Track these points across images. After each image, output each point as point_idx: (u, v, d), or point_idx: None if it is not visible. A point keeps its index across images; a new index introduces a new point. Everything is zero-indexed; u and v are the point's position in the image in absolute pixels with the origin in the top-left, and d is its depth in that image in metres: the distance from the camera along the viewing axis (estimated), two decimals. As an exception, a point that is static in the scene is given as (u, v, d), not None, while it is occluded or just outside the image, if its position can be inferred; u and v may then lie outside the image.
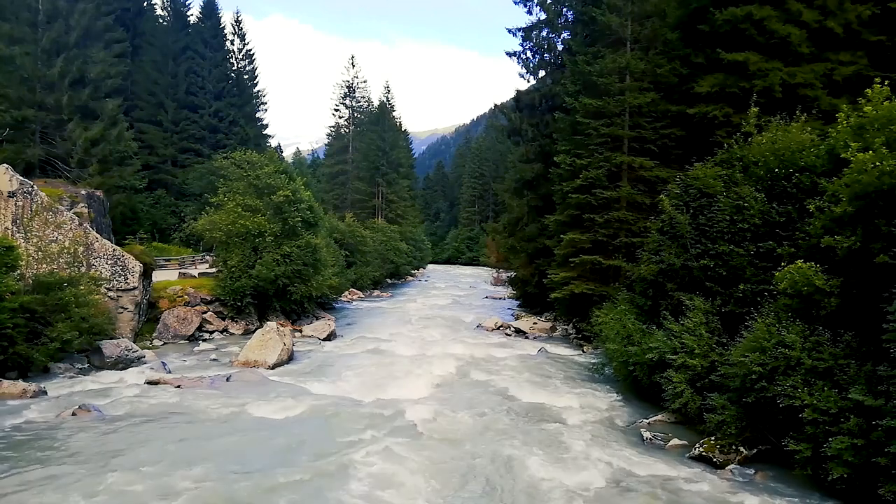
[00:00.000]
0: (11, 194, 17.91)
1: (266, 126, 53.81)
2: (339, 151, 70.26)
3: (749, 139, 13.70)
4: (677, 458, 10.48)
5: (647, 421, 12.54)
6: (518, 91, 31.78)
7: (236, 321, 23.26)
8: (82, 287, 16.36)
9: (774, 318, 10.25)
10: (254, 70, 52.26)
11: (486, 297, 42.53)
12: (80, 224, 19.13)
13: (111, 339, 17.16)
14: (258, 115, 52.47)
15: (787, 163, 12.13)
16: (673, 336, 12.34)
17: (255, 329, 20.78)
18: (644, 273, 14.74)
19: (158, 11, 49.42)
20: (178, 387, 14.17)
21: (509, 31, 30.34)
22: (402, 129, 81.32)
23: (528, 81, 31.53)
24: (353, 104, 69.75)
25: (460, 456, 10.34)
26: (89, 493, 8.27)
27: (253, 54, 51.81)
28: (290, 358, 18.07)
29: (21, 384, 13.15)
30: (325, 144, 79.34)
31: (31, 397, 12.78)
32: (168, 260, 31.57)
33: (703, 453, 10.30)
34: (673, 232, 13.88)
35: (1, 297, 13.57)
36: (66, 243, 17.91)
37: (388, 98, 69.69)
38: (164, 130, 44.62)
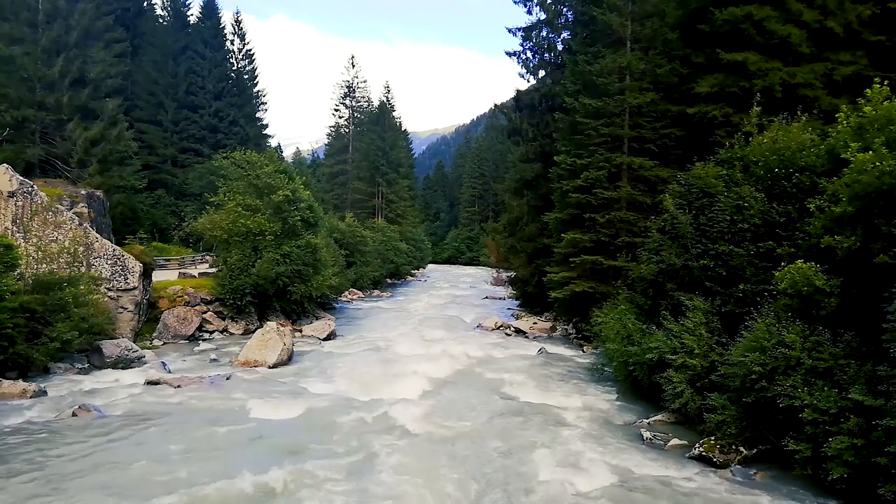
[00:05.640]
0: (11, 194, 17.91)
1: (266, 126, 53.81)
2: (339, 151, 70.32)
3: (750, 139, 13.70)
4: (677, 458, 10.47)
5: (647, 421, 12.54)
6: (518, 91, 31.77)
7: (236, 321, 23.26)
8: (82, 287, 16.36)
9: (774, 318, 10.24)
10: (254, 70, 52.28)
11: (486, 297, 42.52)
12: (80, 224, 19.13)
13: (111, 338, 17.16)
14: (258, 115, 52.45)
15: (788, 163, 12.12)
16: (673, 336, 12.34)
17: (255, 329, 20.78)
18: (644, 273, 14.74)
19: (158, 11, 49.46)
20: (178, 387, 14.17)
21: (509, 30, 30.39)
22: (403, 129, 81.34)
23: (528, 81, 31.58)
24: (353, 104, 69.83)
25: (459, 456, 10.34)
26: (89, 493, 8.27)
27: (253, 54, 51.85)
28: (290, 358, 18.07)
29: (21, 384, 13.15)
30: (325, 144, 79.41)
31: (31, 397, 12.79)
32: (168, 260, 31.56)
33: (703, 453, 10.30)
34: (674, 231, 13.88)
35: (1, 296, 13.57)
36: (66, 243, 17.92)
37: (388, 98, 69.76)
38: (164, 130, 44.62)
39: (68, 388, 13.95)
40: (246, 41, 51.21)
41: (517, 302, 35.42)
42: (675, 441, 11.18)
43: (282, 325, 20.55)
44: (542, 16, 29.64)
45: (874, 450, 7.89)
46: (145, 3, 48.80)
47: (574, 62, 23.46)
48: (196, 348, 19.95)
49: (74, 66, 28.64)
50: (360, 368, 17.19)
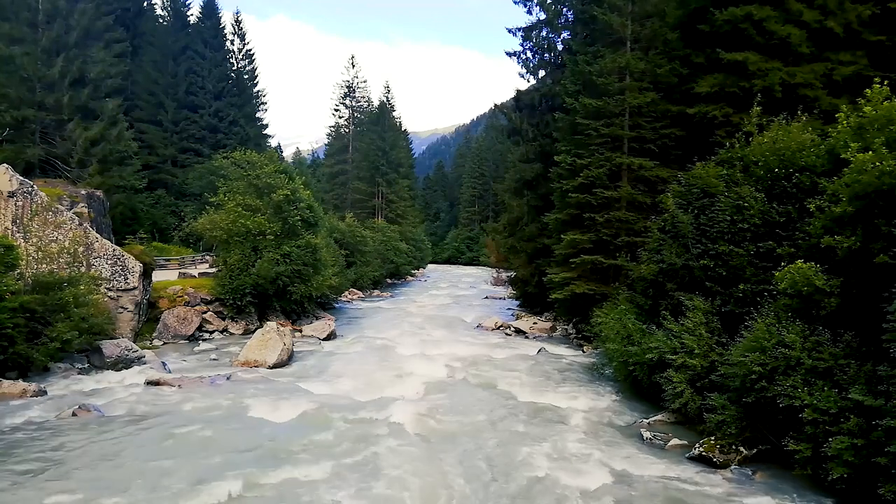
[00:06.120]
0: (11, 194, 17.91)
1: (266, 126, 53.84)
2: (339, 151, 70.33)
3: (750, 139, 13.71)
4: (677, 458, 10.48)
5: (647, 421, 12.54)
6: (518, 91, 31.77)
7: (236, 321, 23.26)
8: (82, 287, 16.34)
9: (774, 318, 10.25)
10: (254, 70, 52.30)
11: (486, 297, 42.53)
12: (80, 224, 19.12)
13: (111, 338, 17.15)
14: (258, 115, 52.48)
15: (788, 163, 12.12)
16: (673, 336, 12.34)
17: (255, 329, 20.78)
18: (644, 273, 14.74)
19: (158, 11, 49.50)
20: (178, 387, 14.18)
21: (509, 30, 30.37)
22: (403, 129, 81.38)
23: (528, 81, 31.57)
24: (353, 104, 69.85)
25: (459, 456, 10.34)
26: (89, 493, 8.27)
27: (253, 54, 51.87)
28: (290, 358, 18.07)
29: (21, 384, 13.16)
30: (325, 144, 79.44)
31: (31, 397, 12.79)
32: (168, 260, 31.57)
33: (703, 453, 10.30)
34: (675, 231, 13.88)
35: (1, 296, 13.57)
36: (66, 243, 17.90)
37: (388, 98, 69.79)
38: (164, 130, 44.64)
39: (68, 388, 13.96)
40: (246, 41, 51.26)
41: (517, 302, 35.42)
42: (675, 441, 11.18)
43: (282, 325, 20.55)
44: (542, 16, 29.65)
45: (874, 450, 7.90)
46: (145, 3, 48.84)
47: (574, 62, 23.46)
48: (196, 348, 19.96)
49: (74, 66, 28.63)
50: (360, 368, 17.21)
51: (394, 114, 72.06)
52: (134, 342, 18.30)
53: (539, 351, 20.62)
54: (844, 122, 10.64)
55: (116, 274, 19.22)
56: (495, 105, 37.76)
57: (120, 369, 15.94)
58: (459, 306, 36.43)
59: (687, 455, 10.55)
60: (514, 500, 8.67)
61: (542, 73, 30.88)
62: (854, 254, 9.36)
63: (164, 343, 20.36)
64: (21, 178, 18.40)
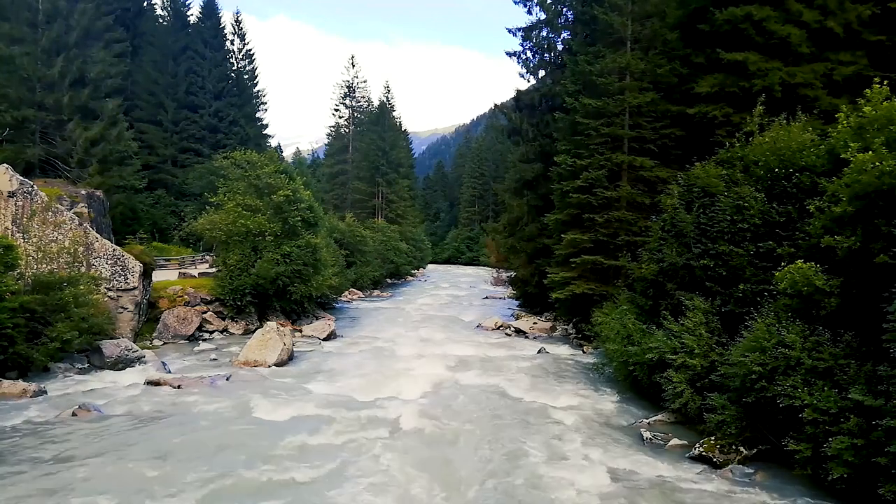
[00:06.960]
0: (11, 194, 17.91)
1: (266, 126, 53.84)
2: (339, 151, 70.31)
3: (750, 139, 13.71)
4: (677, 458, 10.48)
5: (647, 421, 12.54)
6: (518, 91, 31.74)
7: (236, 321, 23.26)
8: (82, 287, 16.36)
9: (774, 318, 10.25)
10: (254, 70, 52.32)
11: (486, 297, 42.52)
12: (80, 224, 19.12)
13: (111, 338, 17.15)
14: (258, 115, 52.49)
15: (788, 163, 12.12)
16: (673, 336, 12.35)
17: (255, 329, 20.78)
18: (644, 273, 14.74)
19: (158, 11, 49.52)
20: (178, 387, 14.18)
21: (509, 31, 30.35)
22: (403, 129, 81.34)
23: (528, 81, 31.55)
24: (353, 104, 69.82)
25: (459, 455, 10.35)
26: (89, 493, 8.27)
27: (253, 54, 51.88)
28: (290, 358, 18.07)
29: (21, 384, 13.16)
30: (325, 144, 79.43)
31: (31, 397, 12.80)
32: (168, 260, 31.57)
33: (703, 453, 10.30)
34: (675, 230, 13.88)
35: (1, 296, 13.57)
36: (66, 243, 17.92)
37: (388, 98, 69.75)
38: (164, 130, 44.65)
39: (68, 388, 13.96)
40: (246, 41, 51.28)
41: (517, 302, 35.39)
42: (675, 441, 11.19)
43: (282, 325, 20.55)
44: (542, 16, 29.63)
45: (874, 450, 7.89)
46: (145, 3, 48.87)
47: (574, 62, 23.45)
48: (196, 348, 19.96)
49: (74, 66, 28.62)
50: (360, 368, 17.22)
51: (394, 114, 72.06)
52: (134, 342, 18.30)
53: (539, 351, 20.63)
54: (844, 122, 10.63)
55: (116, 274, 19.23)
56: (495, 105, 37.71)
57: (120, 369, 15.95)
58: (459, 306, 36.44)
59: (687, 455, 10.56)
60: (513, 500, 8.67)
61: (542, 73, 30.87)
62: (854, 254, 9.36)
63: (164, 343, 20.36)
64: (21, 178, 18.41)
